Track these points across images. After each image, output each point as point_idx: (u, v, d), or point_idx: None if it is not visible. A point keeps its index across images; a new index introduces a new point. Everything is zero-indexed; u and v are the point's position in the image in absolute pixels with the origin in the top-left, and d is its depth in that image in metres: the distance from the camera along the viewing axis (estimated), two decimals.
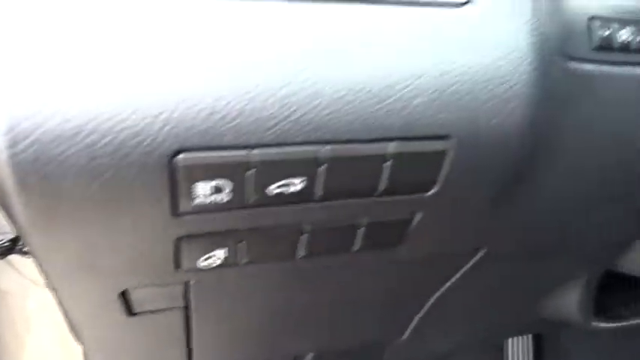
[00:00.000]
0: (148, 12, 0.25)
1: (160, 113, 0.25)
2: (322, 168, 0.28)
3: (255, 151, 0.27)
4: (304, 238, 0.33)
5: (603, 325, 0.63)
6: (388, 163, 0.30)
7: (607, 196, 0.42)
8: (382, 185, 0.31)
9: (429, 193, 0.33)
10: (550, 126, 0.34)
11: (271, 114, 0.27)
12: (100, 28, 0.24)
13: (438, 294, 0.51)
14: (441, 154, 0.31)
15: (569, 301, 0.59)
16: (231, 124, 0.26)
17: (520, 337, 1.11)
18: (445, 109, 0.30)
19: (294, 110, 0.27)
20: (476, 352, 1.08)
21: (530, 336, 1.11)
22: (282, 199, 0.29)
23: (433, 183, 0.32)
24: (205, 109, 0.25)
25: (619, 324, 0.64)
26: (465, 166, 0.32)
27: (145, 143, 0.25)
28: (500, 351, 1.12)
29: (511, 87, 0.31)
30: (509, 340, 1.10)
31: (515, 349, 1.12)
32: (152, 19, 0.25)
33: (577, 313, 0.60)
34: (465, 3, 0.32)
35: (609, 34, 0.37)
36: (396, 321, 0.56)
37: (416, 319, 0.57)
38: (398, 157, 0.30)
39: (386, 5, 0.30)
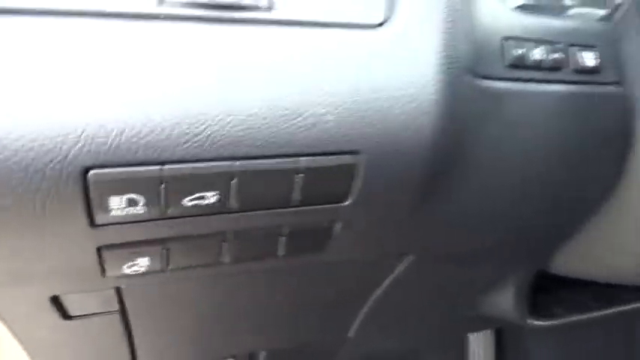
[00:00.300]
0: (57, 36, 0.26)
1: (70, 132, 0.26)
2: (235, 182, 0.30)
3: (167, 167, 0.28)
4: (227, 245, 0.35)
5: (538, 323, 0.66)
6: (300, 177, 0.31)
7: (524, 207, 0.45)
8: (296, 197, 0.32)
9: (345, 203, 0.34)
10: (461, 141, 0.37)
11: (183, 131, 0.28)
12: (9, 50, 0.25)
13: (376, 295, 0.54)
14: (351, 168, 0.32)
15: (505, 301, 0.62)
16: (142, 142, 0.27)
17: (481, 333, 1.14)
18: (355, 126, 0.32)
19: (206, 128, 0.28)
20: (438, 349, 1.11)
21: (491, 331, 1.14)
22: (198, 210, 0.31)
23: (347, 195, 0.34)
24: (115, 127, 0.27)
25: (554, 322, 0.68)
26: (377, 179, 0.34)
27: (57, 160, 0.26)
28: (462, 347, 1.15)
29: (419, 105, 0.33)
30: (471, 336, 1.13)
31: (476, 345, 1.15)
32: (61, 43, 0.26)
33: (512, 312, 0.63)
34: (381, 24, 0.34)
35: (522, 53, 0.40)
36: (338, 320, 0.58)
37: (359, 318, 0.59)
38: (309, 171, 0.31)
39: (303, 27, 0.32)
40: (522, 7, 0.47)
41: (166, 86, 0.28)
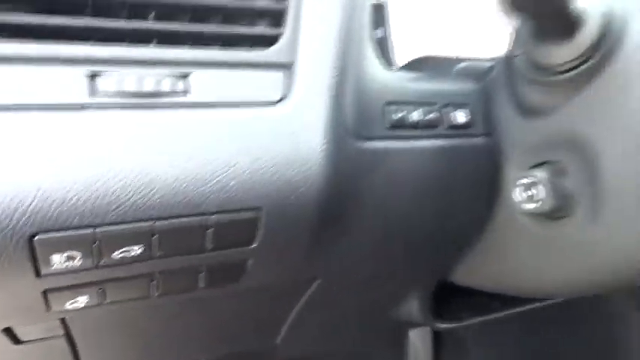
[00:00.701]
0: (6, 129, 0.33)
1: (19, 206, 0.33)
2: (156, 237, 0.37)
3: (99, 230, 0.35)
4: (154, 283, 0.42)
5: (445, 325, 0.76)
6: (211, 230, 0.39)
7: (409, 241, 0.54)
8: (209, 245, 0.40)
9: (252, 246, 0.42)
10: (348, 193, 0.45)
11: (112, 200, 0.35)
12: None
13: (295, 310, 0.62)
14: (254, 221, 0.40)
15: (412, 309, 0.72)
16: (78, 211, 0.34)
17: (420, 330, 1.24)
18: (256, 188, 0.39)
19: (131, 196, 0.36)
20: (380, 346, 1.20)
21: (429, 328, 1.25)
22: (127, 260, 0.38)
23: (252, 240, 0.42)
24: (56, 200, 0.34)
25: (459, 324, 0.78)
26: (277, 227, 0.42)
27: (8, 228, 0.33)
28: (403, 344, 1.24)
29: (309, 168, 0.41)
30: (410, 332, 1.23)
31: (415, 340, 1.25)
32: (10, 134, 0.33)
33: (420, 318, 0.73)
34: (279, 101, 0.42)
35: (402, 116, 0.48)
36: (265, 332, 0.66)
37: (284, 328, 0.67)
38: (218, 225, 0.39)
39: (213, 107, 0.39)
40: (409, 66, 0.56)
41: (98, 165, 0.35)
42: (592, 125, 0.45)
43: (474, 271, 0.65)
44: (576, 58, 0.44)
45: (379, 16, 0.62)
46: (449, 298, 0.79)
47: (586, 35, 0.43)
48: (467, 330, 1.22)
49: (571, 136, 0.47)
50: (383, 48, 0.57)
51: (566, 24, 0.42)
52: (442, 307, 0.77)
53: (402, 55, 0.59)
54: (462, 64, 0.60)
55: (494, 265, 0.61)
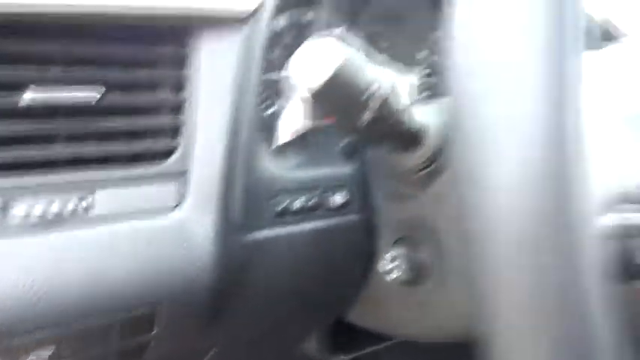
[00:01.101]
0: None
1: None
2: (65, 340, 0.44)
3: (12, 339, 0.41)
4: None
5: (344, 357, 0.87)
6: (117, 326, 0.46)
7: (297, 303, 0.63)
8: (116, 337, 0.47)
9: (152, 333, 0.49)
10: (236, 281, 0.53)
11: (24, 314, 0.41)
12: None
13: None
14: (153, 314, 0.48)
15: (313, 347, 0.81)
16: None
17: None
18: (153, 287, 0.47)
19: (41, 307, 0.42)
20: None
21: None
22: None
23: (152, 327, 0.49)
24: None
25: (356, 354, 0.89)
26: (174, 316, 0.49)
27: None
28: None
29: (199, 267, 0.49)
30: None
31: None
32: None
33: (320, 354, 0.82)
34: (174, 207, 0.49)
35: (286, 206, 0.57)
36: None
37: None
38: (122, 322, 0.46)
39: (114, 220, 0.46)
40: (294, 144, 0.64)
41: (10, 285, 0.40)
42: (436, 213, 0.56)
43: (364, 316, 0.76)
44: (422, 163, 0.54)
45: (271, 92, 0.63)
46: (349, 331, 0.89)
47: (428, 146, 0.53)
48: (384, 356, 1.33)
49: (423, 220, 0.58)
50: (271, 127, 0.61)
51: (410, 140, 0.52)
52: (344, 338, 0.87)
53: (289, 129, 0.65)
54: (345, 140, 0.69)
55: (377, 314, 0.71)
